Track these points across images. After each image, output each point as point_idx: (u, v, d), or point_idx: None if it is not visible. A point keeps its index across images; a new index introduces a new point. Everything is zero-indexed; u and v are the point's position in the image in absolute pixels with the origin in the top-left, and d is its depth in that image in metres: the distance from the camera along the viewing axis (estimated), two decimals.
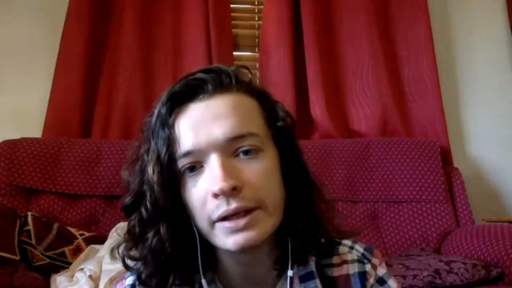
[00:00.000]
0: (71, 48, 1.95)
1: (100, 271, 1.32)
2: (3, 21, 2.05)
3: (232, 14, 2.16)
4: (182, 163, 0.53)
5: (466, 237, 1.54)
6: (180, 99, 0.55)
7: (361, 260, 0.60)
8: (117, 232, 1.47)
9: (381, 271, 0.61)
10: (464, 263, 1.28)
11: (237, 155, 0.52)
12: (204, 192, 0.52)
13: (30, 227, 1.45)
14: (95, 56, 2.00)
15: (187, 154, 0.52)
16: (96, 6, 2.01)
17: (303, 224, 0.56)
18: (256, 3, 2.26)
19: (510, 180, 2.11)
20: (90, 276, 1.30)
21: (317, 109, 2.00)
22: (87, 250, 1.45)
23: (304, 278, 0.57)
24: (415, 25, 2.08)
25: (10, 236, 1.38)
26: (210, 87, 0.54)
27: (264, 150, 0.54)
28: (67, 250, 1.46)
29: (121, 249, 0.56)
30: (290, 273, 0.56)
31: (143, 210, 0.54)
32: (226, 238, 0.51)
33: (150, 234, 0.54)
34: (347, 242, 0.63)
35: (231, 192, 0.49)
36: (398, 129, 1.99)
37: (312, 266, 0.58)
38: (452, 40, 2.22)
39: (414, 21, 2.08)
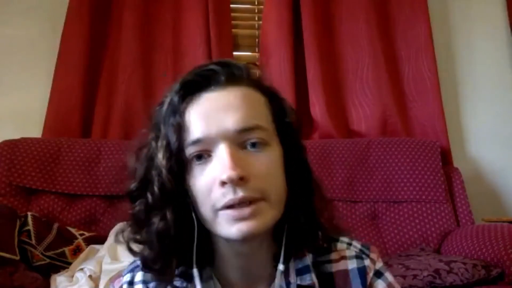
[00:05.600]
0: (71, 48, 1.94)
1: (100, 271, 1.32)
2: (3, 21, 2.04)
3: (232, 14, 2.16)
4: (190, 151, 0.54)
5: (466, 237, 1.54)
6: (192, 88, 0.56)
7: (359, 256, 0.61)
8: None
9: (378, 264, 0.62)
10: (464, 263, 1.28)
11: (245, 147, 0.54)
12: (212, 179, 0.52)
13: (30, 227, 1.45)
14: (95, 56, 2.00)
15: (197, 142, 0.53)
16: (96, 6, 2.01)
17: (301, 219, 0.57)
18: (256, 3, 2.26)
19: (510, 180, 2.11)
20: (90, 276, 1.30)
21: (317, 109, 2.00)
22: (87, 250, 1.45)
23: (300, 272, 0.58)
24: (415, 25, 2.07)
25: (10, 236, 1.38)
26: (223, 78, 0.56)
27: (270, 144, 0.55)
28: (67, 250, 1.46)
29: (126, 233, 0.57)
30: (281, 267, 0.56)
31: (149, 195, 0.55)
32: (230, 226, 0.52)
33: (155, 219, 0.54)
34: (345, 239, 0.63)
35: (238, 181, 0.50)
36: (398, 129, 1.99)
37: (307, 260, 0.59)
38: (452, 40, 2.22)
39: (414, 21, 2.08)
